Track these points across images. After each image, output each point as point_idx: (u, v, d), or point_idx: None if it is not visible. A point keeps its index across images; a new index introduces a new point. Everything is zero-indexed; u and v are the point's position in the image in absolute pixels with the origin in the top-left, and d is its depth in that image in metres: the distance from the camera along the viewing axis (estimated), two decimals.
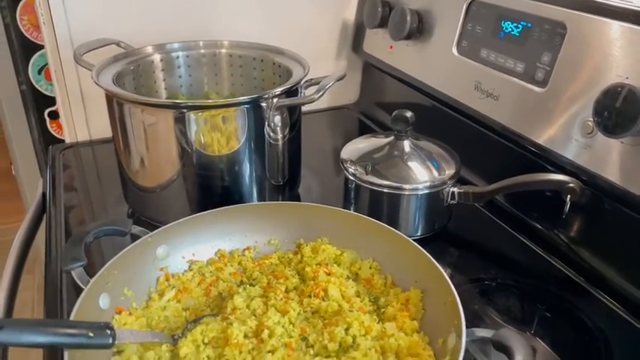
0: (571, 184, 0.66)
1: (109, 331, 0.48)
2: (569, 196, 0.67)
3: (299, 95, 0.80)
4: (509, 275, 0.71)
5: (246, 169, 0.77)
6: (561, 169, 0.71)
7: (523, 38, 0.76)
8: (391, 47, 1.04)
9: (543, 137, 0.73)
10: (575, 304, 0.66)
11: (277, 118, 0.75)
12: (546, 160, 0.73)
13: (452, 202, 0.77)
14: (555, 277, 0.71)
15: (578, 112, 0.68)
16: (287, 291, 0.62)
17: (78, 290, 0.55)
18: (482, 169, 0.88)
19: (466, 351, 0.58)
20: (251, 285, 0.63)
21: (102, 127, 0.99)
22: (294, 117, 0.80)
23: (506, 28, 0.79)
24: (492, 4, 0.81)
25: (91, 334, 0.47)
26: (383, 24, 1.02)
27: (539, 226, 0.78)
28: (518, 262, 0.75)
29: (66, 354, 0.46)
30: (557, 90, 0.70)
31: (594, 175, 0.66)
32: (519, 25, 0.77)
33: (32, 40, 1.25)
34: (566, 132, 0.69)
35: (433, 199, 0.76)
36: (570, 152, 0.69)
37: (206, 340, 0.54)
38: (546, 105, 0.72)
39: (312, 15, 1.13)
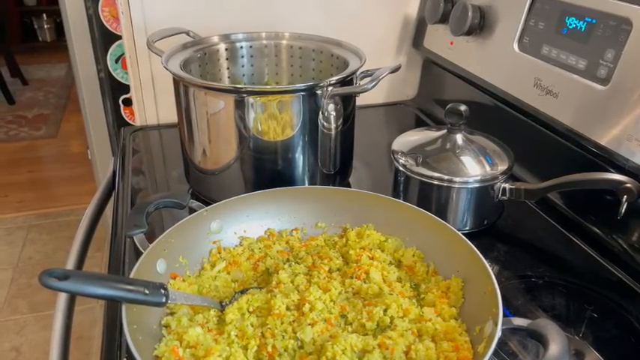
0: (628, 184, 0.64)
1: (163, 291, 0.52)
2: (625, 196, 0.65)
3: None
4: (558, 274, 0.70)
5: (300, 156, 0.80)
6: (619, 169, 0.68)
7: (587, 34, 0.74)
8: (452, 43, 1.04)
9: (602, 136, 0.71)
10: (626, 308, 0.64)
11: (331, 107, 0.77)
12: (604, 159, 0.71)
13: (503, 197, 0.76)
14: (607, 279, 0.69)
15: (639, 110, 0.65)
16: (330, 271, 0.64)
17: (139, 255, 0.60)
18: (537, 167, 0.86)
19: (505, 344, 0.58)
20: (296, 263, 0.66)
21: (169, 113, 1.05)
22: (348, 109, 0.82)
23: (570, 24, 0.77)
24: (557, 0, 0.80)
25: (147, 292, 0.51)
26: (444, 19, 1.02)
27: (595, 228, 0.76)
28: (568, 263, 0.74)
29: (123, 308, 0.51)
30: (620, 88, 0.68)
31: None
32: (584, 21, 0.75)
33: (112, 30, 1.33)
34: (626, 131, 0.67)
35: (483, 193, 0.76)
36: (630, 152, 0.67)
37: (251, 309, 0.58)
38: (607, 103, 0.70)
39: (373, 10, 1.14)
